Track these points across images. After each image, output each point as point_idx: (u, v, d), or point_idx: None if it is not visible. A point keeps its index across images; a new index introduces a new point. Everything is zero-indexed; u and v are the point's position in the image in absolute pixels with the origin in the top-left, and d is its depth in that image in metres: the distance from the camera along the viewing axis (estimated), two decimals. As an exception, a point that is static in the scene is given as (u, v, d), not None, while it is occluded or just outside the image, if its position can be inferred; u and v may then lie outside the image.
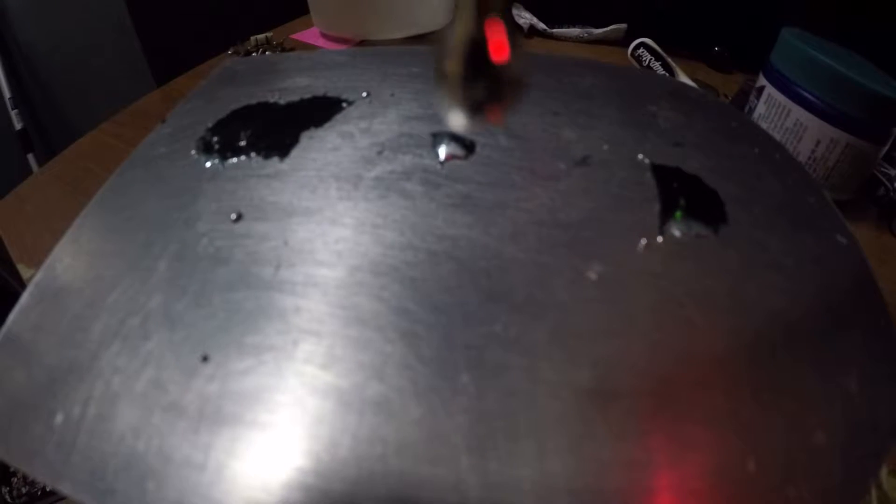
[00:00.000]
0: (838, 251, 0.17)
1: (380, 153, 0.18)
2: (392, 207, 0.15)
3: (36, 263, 0.34)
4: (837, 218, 0.18)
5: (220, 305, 0.15)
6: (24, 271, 0.33)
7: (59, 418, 0.14)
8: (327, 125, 0.20)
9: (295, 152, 0.19)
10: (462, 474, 0.10)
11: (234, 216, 0.17)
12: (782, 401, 0.13)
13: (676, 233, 0.16)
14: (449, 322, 0.12)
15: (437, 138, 0.18)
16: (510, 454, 0.11)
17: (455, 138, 0.18)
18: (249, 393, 0.13)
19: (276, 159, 0.19)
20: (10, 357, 0.16)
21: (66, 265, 0.18)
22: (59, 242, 0.20)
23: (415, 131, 0.19)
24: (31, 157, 1.01)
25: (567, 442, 0.11)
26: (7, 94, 0.96)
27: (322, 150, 0.19)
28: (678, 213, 0.17)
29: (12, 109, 0.97)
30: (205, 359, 0.14)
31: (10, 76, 0.97)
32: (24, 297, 0.17)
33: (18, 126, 0.98)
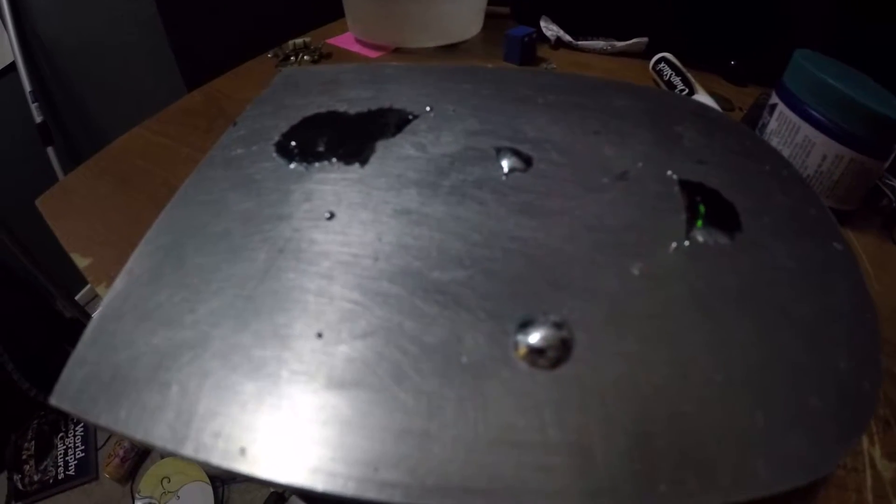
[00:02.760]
0: (834, 255, 0.20)
1: (451, 164, 0.21)
2: (469, 212, 0.19)
3: (90, 253, 0.35)
4: (835, 227, 0.21)
5: (327, 292, 0.17)
6: (78, 260, 0.34)
7: (174, 389, 0.15)
8: (399, 136, 0.24)
9: (374, 159, 0.23)
10: (547, 429, 0.14)
11: (327, 215, 0.20)
12: (784, 372, 0.16)
13: (699, 238, 0.19)
14: (526, 305, 0.16)
15: (500, 153, 0.21)
16: (580, 407, 0.14)
17: (515, 153, 0.21)
18: (363, 362, 0.15)
19: (357, 165, 0.23)
20: (110, 337, 0.17)
21: (156, 258, 0.20)
22: (145, 235, 0.21)
23: (479, 145, 0.22)
24: (50, 150, 1.02)
25: (624, 398, 0.14)
26: (27, 88, 0.97)
27: (399, 158, 0.22)
28: (700, 222, 0.20)
29: (32, 103, 0.98)
30: (319, 335, 0.16)
31: (31, 70, 0.98)
32: (117, 283, 0.19)
33: (38, 119, 0.99)
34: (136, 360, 0.16)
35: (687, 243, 0.19)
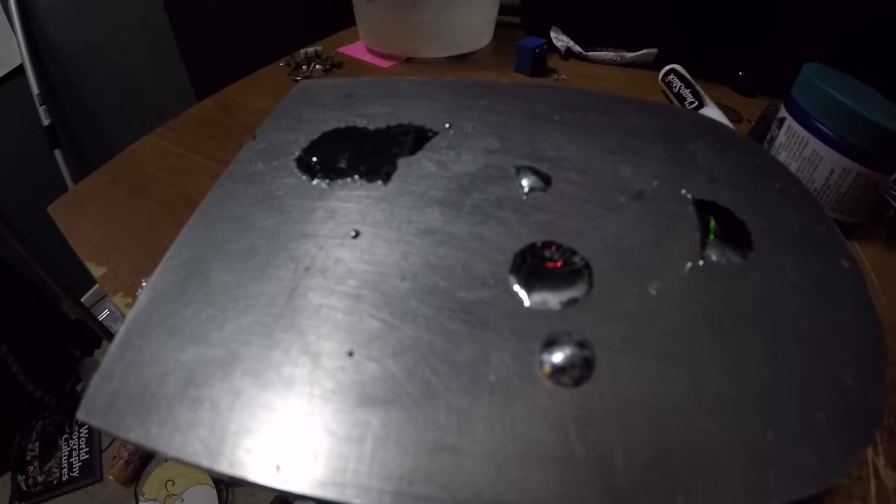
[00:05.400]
0: (842, 273, 0.20)
1: (472, 183, 0.22)
2: (492, 232, 0.19)
3: (105, 262, 0.35)
4: (843, 245, 0.22)
5: (356, 310, 0.18)
6: (93, 269, 0.35)
7: (206, 406, 0.15)
8: (419, 153, 0.24)
9: (396, 177, 0.23)
10: (572, 444, 0.14)
11: (353, 233, 0.21)
12: (793, 388, 0.16)
13: (713, 257, 0.20)
14: (549, 325, 0.17)
15: (519, 172, 0.22)
16: (602, 423, 0.15)
17: (535, 172, 0.22)
18: (394, 380, 0.16)
19: (379, 182, 0.23)
20: (137, 353, 0.17)
21: (180, 274, 0.20)
22: (168, 251, 0.21)
23: (499, 164, 0.23)
24: (57, 152, 1.02)
25: (643, 414, 0.15)
26: (35, 91, 0.97)
27: (421, 175, 0.23)
28: (714, 241, 0.20)
29: (40, 105, 0.98)
30: (350, 354, 0.17)
31: (39, 72, 0.98)
32: (142, 298, 0.19)
33: (46, 122, 1.00)
34: (165, 377, 0.16)
35: (701, 263, 0.19)
